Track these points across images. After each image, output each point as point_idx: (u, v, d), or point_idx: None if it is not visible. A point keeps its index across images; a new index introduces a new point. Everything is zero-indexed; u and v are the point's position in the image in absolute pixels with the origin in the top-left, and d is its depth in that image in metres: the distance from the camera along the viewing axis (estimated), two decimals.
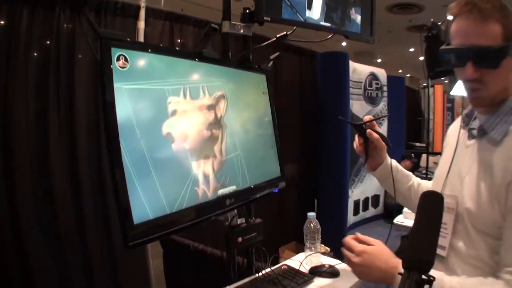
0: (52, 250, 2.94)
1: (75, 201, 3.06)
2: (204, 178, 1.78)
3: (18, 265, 2.78)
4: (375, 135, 1.81)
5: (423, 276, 0.96)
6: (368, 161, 1.91)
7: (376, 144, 1.84)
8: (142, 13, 3.27)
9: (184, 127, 1.69)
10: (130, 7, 3.26)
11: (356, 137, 1.88)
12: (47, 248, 2.91)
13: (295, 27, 2.31)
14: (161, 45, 3.57)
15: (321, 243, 2.31)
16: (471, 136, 1.53)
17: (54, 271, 2.96)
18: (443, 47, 1.42)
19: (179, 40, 3.75)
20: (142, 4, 3.25)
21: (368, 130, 1.82)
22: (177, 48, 3.66)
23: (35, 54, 2.85)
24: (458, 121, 1.73)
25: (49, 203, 2.93)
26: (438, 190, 1.53)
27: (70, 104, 3.02)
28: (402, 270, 1.06)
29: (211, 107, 1.87)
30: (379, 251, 1.51)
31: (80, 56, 3.02)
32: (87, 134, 3.10)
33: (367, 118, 1.84)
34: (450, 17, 1.44)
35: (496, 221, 1.32)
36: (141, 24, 3.27)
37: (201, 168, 1.76)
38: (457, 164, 1.54)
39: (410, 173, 1.98)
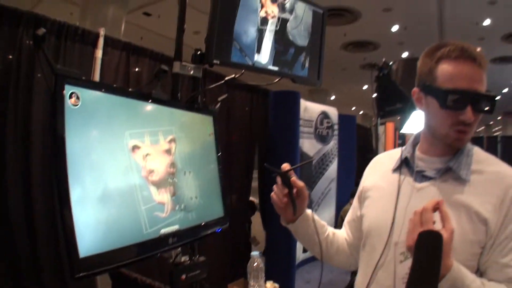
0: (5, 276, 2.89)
1: (28, 227, 3.02)
2: (162, 205, 1.87)
3: None
4: (300, 182, 1.66)
5: None
6: (289, 213, 1.71)
7: (300, 193, 1.67)
8: (101, 42, 3.25)
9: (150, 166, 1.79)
10: (89, 34, 3.24)
11: (276, 187, 1.68)
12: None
13: (243, 71, 2.37)
14: (116, 76, 3.57)
15: (270, 279, 2.33)
16: (420, 179, 1.54)
17: None
18: (448, 87, 1.41)
19: (136, 69, 3.76)
20: (101, 33, 3.23)
21: (293, 178, 1.63)
22: (128, 89, 3.65)
23: None
24: (380, 163, 1.79)
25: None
26: (384, 238, 1.53)
27: (27, 119, 2.95)
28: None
29: (168, 151, 1.96)
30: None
31: (39, 75, 3.00)
32: (41, 154, 3.06)
33: (286, 166, 1.63)
34: (428, 57, 1.50)
35: (475, 253, 1.39)
36: (99, 53, 3.25)
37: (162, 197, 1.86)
38: (410, 209, 1.43)
39: (325, 223, 1.85)
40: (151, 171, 1.82)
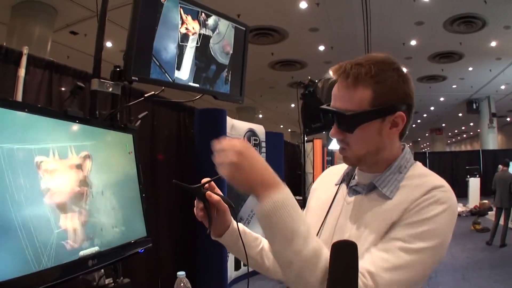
0: None
1: None
2: (72, 232, 1.78)
3: None
4: (215, 197, 1.61)
5: None
6: (212, 227, 1.64)
7: (217, 207, 1.63)
8: (24, 61, 3.17)
9: (52, 184, 1.71)
10: (12, 53, 3.16)
11: (196, 202, 1.65)
12: None
13: (163, 88, 2.35)
14: (39, 95, 3.49)
15: None
16: (351, 193, 1.55)
17: None
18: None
19: (60, 88, 3.68)
20: (25, 51, 3.16)
21: (208, 192, 1.60)
22: (42, 106, 3.58)
23: None
24: (328, 176, 1.77)
25: None
26: None
27: None
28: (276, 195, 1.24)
29: (79, 166, 1.88)
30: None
31: None
32: None
33: (204, 180, 1.61)
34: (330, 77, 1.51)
35: None
36: (22, 72, 3.17)
37: (68, 222, 1.77)
38: (340, 222, 1.51)
39: (258, 235, 1.79)
40: (58, 191, 1.76)
